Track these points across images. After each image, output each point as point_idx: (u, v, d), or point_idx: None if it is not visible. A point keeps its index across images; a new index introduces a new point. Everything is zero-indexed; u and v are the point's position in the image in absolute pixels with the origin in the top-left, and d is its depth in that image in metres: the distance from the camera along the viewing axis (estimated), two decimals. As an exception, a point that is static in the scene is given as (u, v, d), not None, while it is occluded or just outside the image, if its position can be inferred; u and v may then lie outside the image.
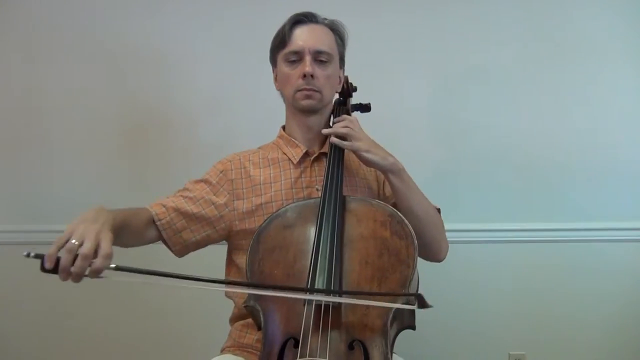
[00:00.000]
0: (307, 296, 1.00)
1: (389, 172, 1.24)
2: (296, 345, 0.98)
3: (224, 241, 1.33)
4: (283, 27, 1.28)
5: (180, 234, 1.24)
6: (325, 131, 1.28)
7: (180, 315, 1.99)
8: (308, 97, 1.26)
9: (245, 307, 1.09)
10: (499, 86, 1.99)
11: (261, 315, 1.05)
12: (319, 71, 1.25)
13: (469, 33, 1.97)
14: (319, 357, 0.94)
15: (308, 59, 1.24)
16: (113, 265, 0.91)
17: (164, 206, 1.23)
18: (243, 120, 1.94)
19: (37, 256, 0.89)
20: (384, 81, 1.90)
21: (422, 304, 0.95)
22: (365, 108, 1.43)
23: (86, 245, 0.90)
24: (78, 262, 0.89)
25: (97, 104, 1.97)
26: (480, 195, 1.99)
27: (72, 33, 1.95)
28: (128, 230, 1.11)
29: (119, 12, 1.95)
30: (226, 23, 1.96)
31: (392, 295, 1.03)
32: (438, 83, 1.98)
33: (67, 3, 1.95)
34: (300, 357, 0.95)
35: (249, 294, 1.08)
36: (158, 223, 1.21)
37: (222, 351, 1.30)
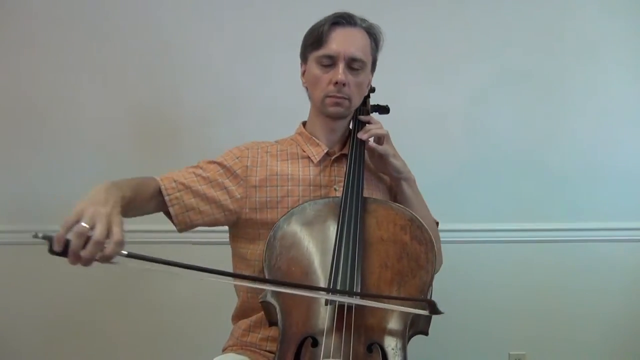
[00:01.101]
0: (330, 297, 1.00)
1: (404, 179, 1.28)
2: (314, 345, 0.98)
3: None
4: (320, 27, 1.24)
5: (187, 213, 1.20)
6: (363, 136, 1.26)
7: (180, 314, 1.98)
8: (337, 104, 1.24)
9: (260, 302, 1.08)
10: (499, 88, 1.99)
11: (278, 312, 1.04)
12: (350, 78, 1.23)
13: (472, 36, 1.97)
14: (339, 359, 0.94)
15: (341, 66, 1.21)
16: (125, 252, 0.87)
17: (175, 181, 1.20)
18: (253, 122, 1.91)
19: (45, 237, 0.84)
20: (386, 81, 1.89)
21: (434, 310, 0.97)
22: (383, 109, 1.42)
23: (98, 230, 0.86)
24: (89, 247, 0.85)
25: (101, 104, 1.93)
26: (480, 196, 2.00)
27: (76, 31, 1.91)
28: (133, 205, 1.08)
29: (127, 10, 1.91)
30: (236, 24, 1.92)
31: (409, 300, 1.03)
32: (439, 84, 1.97)
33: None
34: (319, 357, 0.95)
35: (267, 290, 1.06)
36: (166, 197, 1.18)
37: (224, 350, 1.28)
